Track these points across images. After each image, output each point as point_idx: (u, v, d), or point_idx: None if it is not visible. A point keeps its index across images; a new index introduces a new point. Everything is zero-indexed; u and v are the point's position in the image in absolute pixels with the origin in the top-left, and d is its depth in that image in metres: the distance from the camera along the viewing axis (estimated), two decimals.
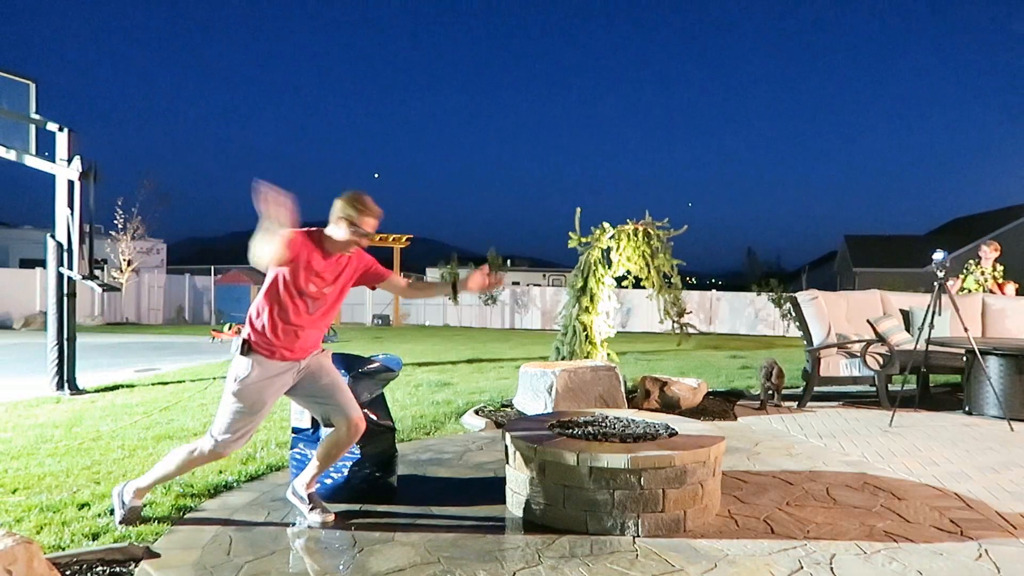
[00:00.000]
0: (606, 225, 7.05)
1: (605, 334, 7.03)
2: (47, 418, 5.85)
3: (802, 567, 2.85)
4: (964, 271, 8.88)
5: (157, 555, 2.90)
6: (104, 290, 8.11)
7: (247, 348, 3.18)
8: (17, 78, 7.68)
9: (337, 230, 3.23)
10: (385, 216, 3.29)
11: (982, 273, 8.69)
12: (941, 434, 5.52)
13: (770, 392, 6.71)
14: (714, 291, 26.72)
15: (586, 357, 6.82)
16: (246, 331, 3.21)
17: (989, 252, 8.66)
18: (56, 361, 7.36)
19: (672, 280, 7.07)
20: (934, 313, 5.95)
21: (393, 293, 3.80)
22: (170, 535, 3.14)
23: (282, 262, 3.11)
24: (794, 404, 6.79)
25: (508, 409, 6.23)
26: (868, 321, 7.34)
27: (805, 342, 7.26)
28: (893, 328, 7.22)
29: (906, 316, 7.64)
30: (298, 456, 3.69)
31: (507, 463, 3.56)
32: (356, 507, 3.54)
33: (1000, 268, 8.71)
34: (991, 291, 8.56)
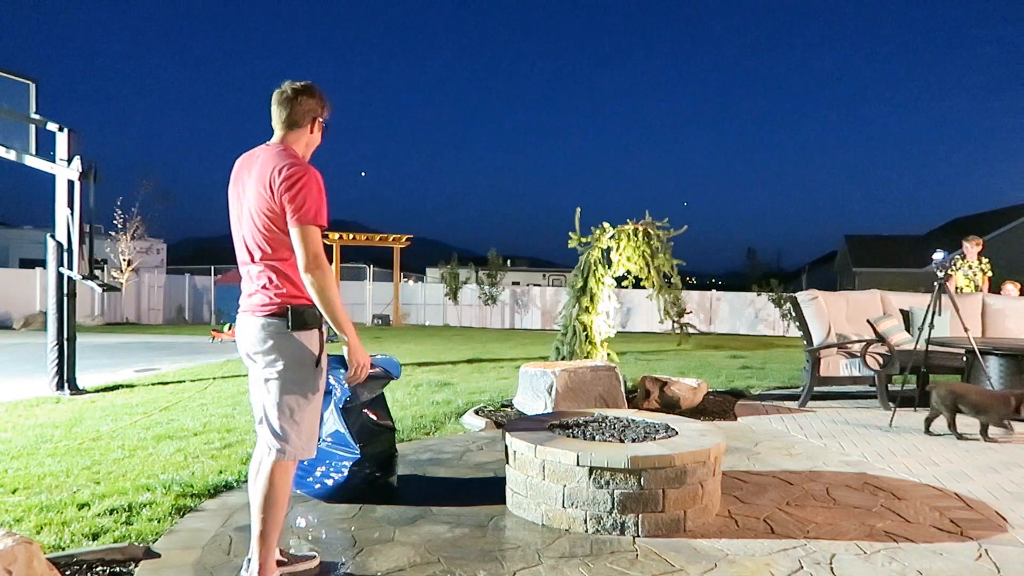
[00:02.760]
0: (606, 225, 7.05)
1: (605, 334, 7.03)
2: (47, 418, 5.85)
3: (802, 567, 2.85)
4: (952, 268, 8.91)
5: (157, 555, 2.90)
6: (104, 290, 8.11)
7: (313, 317, 2.49)
8: (17, 78, 7.68)
9: (308, 136, 2.57)
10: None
11: (969, 267, 8.75)
12: (941, 434, 5.52)
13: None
14: (714, 291, 26.70)
15: (586, 357, 6.81)
16: (280, 299, 2.47)
17: (971, 247, 8.75)
18: (56, 361, 7.36)
19: (672, 280, 7.07)
20: (934, 313, 5.95)
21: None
22: (170, 535, 3.14)
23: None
24: (794, 404, 6.81)
25: (508, 409, 6.23)
26: (868, 321, 7.34)
27: (805, 342, 7.26)
28: (893, 328, 7.22)
29: (906, 316, 7.65)
30: None
31: (507, 463, 3.57)
32: (356, 507, 3.54)
33: (987, 261, 8.76)
34: (979, 286, 8.59)
